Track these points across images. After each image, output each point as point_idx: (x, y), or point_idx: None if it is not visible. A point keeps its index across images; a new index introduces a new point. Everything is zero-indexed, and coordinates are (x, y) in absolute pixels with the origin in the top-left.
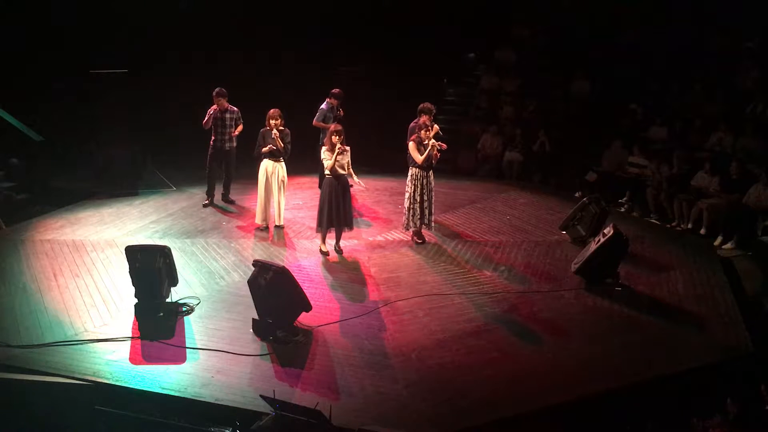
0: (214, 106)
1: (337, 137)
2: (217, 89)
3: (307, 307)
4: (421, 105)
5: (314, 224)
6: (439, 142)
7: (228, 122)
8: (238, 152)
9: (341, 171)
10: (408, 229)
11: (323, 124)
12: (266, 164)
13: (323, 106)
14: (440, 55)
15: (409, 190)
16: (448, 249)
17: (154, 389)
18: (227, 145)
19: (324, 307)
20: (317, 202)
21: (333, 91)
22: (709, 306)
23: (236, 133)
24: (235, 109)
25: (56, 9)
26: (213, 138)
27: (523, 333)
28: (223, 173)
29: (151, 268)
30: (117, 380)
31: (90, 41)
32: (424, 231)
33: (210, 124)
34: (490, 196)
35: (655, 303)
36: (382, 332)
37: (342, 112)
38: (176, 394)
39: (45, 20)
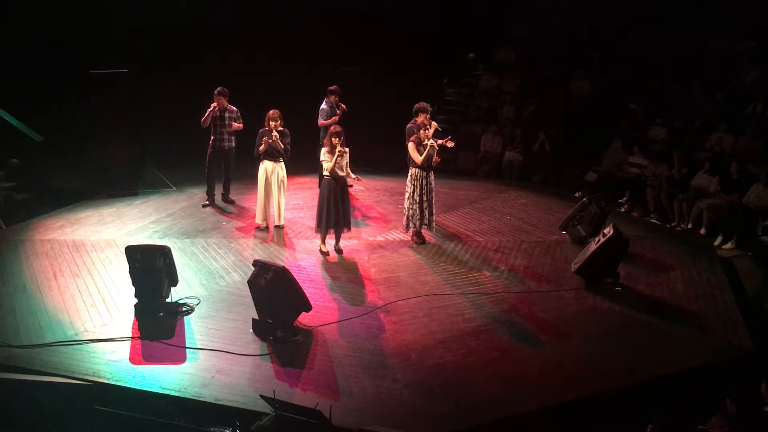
0: (214, 104)
1: (337, 139)
2: (218, 88)
3: (307, 307)
4: (417, 105)
5: (314, 224)
6: (447, 139)
7: (227, 122)
8: (238, 152)
9: (340, 173)
10: (408, 230)
11: (327, 121)
12: (266, 164)
13: (323, 105)
14: (440, 55)
15: (408, 190)
16: (447, 249)
17: (154, 389)
18: (226, 144)
19: (324, 307)
20: (317, 203)
21: (330, 88)
22: (709, 306)
23: (233, 128)
24: (234, 108)
25: (56, 8)
26: (212, 138)
27: (523, 333)
28: (223, 173)
29: (151, 268)
30: (117, 380)
31: (90, 41)
32: (424, 231)
33: (209, 122)
34: (490, 196)
35: (655, 303)
36: (382, 332)
37: (345, 107)
38: (176, 394)
39: (45, 20)
